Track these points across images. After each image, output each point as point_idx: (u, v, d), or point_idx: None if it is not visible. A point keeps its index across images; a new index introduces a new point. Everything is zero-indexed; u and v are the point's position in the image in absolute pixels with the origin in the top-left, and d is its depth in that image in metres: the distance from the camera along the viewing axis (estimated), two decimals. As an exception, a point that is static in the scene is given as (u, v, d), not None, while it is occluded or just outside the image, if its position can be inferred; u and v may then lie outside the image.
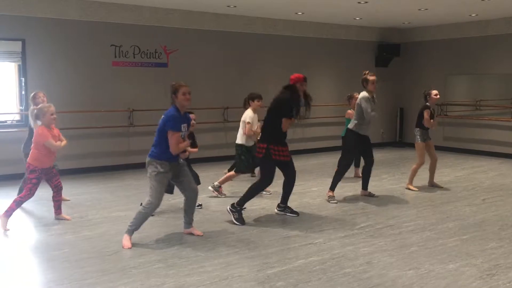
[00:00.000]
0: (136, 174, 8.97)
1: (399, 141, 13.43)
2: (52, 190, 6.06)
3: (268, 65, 11.22)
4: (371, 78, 6.97)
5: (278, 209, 6.43)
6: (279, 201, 6.45)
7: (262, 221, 6.09)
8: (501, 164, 10.40)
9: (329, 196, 7.08)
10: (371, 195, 7.36)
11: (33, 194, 5.79)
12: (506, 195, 7.54)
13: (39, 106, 5.92)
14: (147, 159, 5.18)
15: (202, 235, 5.43)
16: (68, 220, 6.07)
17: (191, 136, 6.10)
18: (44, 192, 6.71)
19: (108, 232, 5.61)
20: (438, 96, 7.75)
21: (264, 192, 7.23)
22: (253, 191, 6.04)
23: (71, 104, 8.90)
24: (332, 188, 7.10)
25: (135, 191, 7.76)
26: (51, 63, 8.86)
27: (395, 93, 13.35)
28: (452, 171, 9.62)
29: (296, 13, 10.60)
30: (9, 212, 5.68)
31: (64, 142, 5.97)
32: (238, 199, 6.06)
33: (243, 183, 7.48)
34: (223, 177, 7.38)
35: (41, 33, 8.73)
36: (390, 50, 12.96)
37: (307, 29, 11.71)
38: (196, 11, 10.11)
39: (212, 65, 10.54)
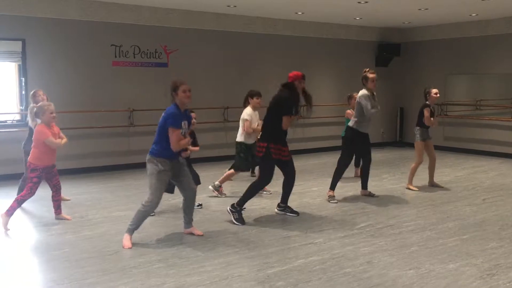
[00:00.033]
0: (136, 174, 8.97)
1: (399, 141, 13.42)
2: (51, 189, 6.06)
3: (268, 65, 11.22)
4: (371, 75, 6.95)
5: (278, 209, 6.43)
6: (279, 201, 6.45)
7: (262, 221, 6.09)
8: (501, 164, 10.39)
9: (329, 196, 7.07)
10: (371, 194, 7.36)
11: (33, 193, 5.80)
12: (507, 195, 7.54)
13: (39, 104, 5.92)
14: (147, 157, 5.18)
15: (202, 235, 5.43)
16: (68, 220, 6.07)
17: (192, 135, 6.10)
18: (44, 192, 6.71)
19: (108, 231, 5.61)
20: (437, 95, 7.75)
21: (264, 192, 7.24)
22: (253, 191, 6.04)
23: (71, 104, 8.91)
24: (332, 187, 7.10)
25: (135, 191, 7.76)
26: (51, 63, 8.86)
27: (395, 93, 13.35)
28: (452, 171, 9.62)
29: (296, 13, 10.60)
30: (10, 211, 5.69)
31: (64, 140, 5.97)
32: (238, 199, 6.06)
33: (243, 183, 7.47)
34: (223, 176, 7.39)
35: (41, 33, 8.73)
36: (390, 50, 12.95)
37: (307, 29, 11.71)
38: (196, 11, 10.11)
39: (212, 65, 10.54)
